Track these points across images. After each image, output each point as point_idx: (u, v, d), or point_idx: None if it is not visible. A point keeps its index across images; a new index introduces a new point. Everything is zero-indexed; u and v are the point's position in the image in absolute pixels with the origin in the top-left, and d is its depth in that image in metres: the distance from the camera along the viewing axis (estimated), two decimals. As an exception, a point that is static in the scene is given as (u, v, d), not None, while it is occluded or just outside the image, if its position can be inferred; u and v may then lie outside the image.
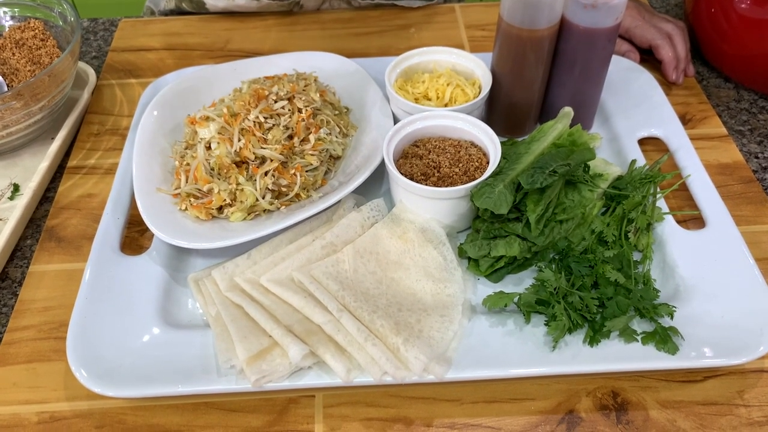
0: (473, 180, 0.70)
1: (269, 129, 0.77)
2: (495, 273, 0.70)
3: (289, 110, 0.79)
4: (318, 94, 0.83)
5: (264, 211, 0.74)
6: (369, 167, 0.75)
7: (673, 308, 0.64)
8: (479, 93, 0.82)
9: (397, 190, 0.74)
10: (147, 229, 0.76)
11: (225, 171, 0.74)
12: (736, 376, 0.65)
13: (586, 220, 0.72)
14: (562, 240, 0.70)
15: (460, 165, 0.73)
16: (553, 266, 0.69)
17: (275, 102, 0.79)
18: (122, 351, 0.63)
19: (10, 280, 0.75)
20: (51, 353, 0.67)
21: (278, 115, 0.78)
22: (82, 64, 1.00)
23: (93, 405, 0.63)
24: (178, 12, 1.16)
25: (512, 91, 0.82)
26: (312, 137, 0.78)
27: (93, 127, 0.92)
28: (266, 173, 0.74)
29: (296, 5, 1.12)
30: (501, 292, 0.66)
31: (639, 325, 0.65)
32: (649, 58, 0.99)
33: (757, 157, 0.88)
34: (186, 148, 0.80)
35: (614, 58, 0.91)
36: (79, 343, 0.64)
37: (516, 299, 0.66)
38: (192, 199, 0.74)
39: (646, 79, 0.93)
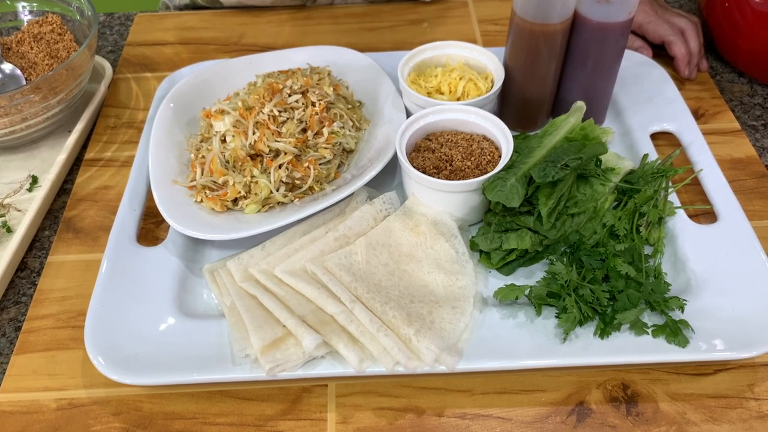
0: (485, 173, 0.71)
1: (283, 122, 0.77)
2: (506, 266, 0.70)
3: (303, 104, 0.80)
4: (331, 88, 0.84)
5: (278, 203, 0.75)
6: (382, 160, 0.75)
7: (684, 301, 0.65)
8: (492, 87, 0.82)
9: (410, 183, 0.74)
10: (163, 221, 0.78)
11: (240, 164, 0.75)
12: (746, 370, 0.65)
13: (598, 213, 0.72)
14: (573, 233, 0.70)
15: (473, 158, 0.73)
16: (565, 259, 0.70)
17: (289, 96, 0.80)
18: (139, 340, 0.65)
19: (29, 270, 0.77)
20: (69, 341, 0.68)
21: (292, 108, 0.79)
22: (98, 58, 1.02)
23: (110, 392, 0.64)
24: (193, 7, 1.17)
25: (525, 85, 0.82)
26: (325, 131, 0.79)
27: (109, 120, 0.94)
28: (280, 166, 0.75)
29: (309, 0, 1.12)
30: (512, 285, 0.67)
31: (650, 318, 0.65)
32: (662, 52, 0.98)
33: (770, 152, 0.88)
34: (201, 141, 0.81)
35: (627, 52, 0.91)
36: (97, 332, 0.65)
37: (527, 292, 0.66)
38: (207, 191, 0.75)
39: (658, 73, 0.93)
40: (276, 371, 0.61)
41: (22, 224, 0.78)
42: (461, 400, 0.63)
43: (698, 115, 0.91)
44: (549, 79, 0.82)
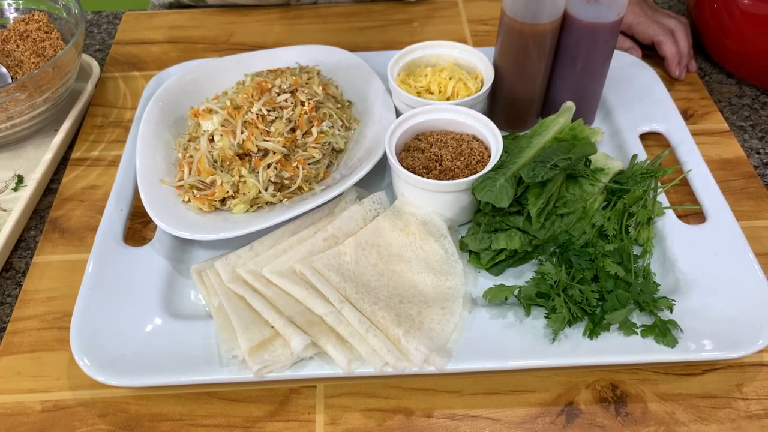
0: (475, 173, 0.71)
1: (272, 122, 0.77)
2: (496, 266, 0.70)
3: (292, 103, 0.79)
4: (321, 88, 0.83)
5: (266, 203, 0.75)
6: (371, 160, 0.75)
7: (673, 302, 0.65)
8: (481, 87, 0.82)
9: (399, 183, 0.74)
10: (150, 221, 0.77)
11: (228, 163, 0.75)
12: (734, 370, 0.65)
13: (587, 213, 0.72)
14: (562, 233, 0.70)
15: (462, 158, 0.73)
16: (554, 259, 0.70)
17: (278, 95, 0.79)
18: (125, 341, 0.64)
19: (14, 271, 0.76)
20: (54, 343, 0.67)
21: (281, 107, 0.78)
22: (86, 57, 1.01)
23: (96, 394, 0.64)
24: (178, 6, 1.16)
25: (514, 85, 0.82)
26: (314, 130, 0.78)
27: (97, 119, 0.93)
28: (269, 165, 0.74)
29: (294, -1, 1.12)
30: (501, 285, 0.67)
31: (638, 318, 0.65)
32: (651, 53, 0.99)
33: (758, 153, 0.88)
34: (189, 140, 0.80)
35: (616, 53, 0.91)
36: (83, 333, 0.64)
37: (516, 292, 0.66)
38: (195, 191, 0.75)
39: (647, 74, 0.93)
40: (264, 372, 0.61)
41: (7, 224, 0.77)
42: (450, 401, 0.63)
43: (687, 115, 0.91)
44: (538, 80, 0.82)
